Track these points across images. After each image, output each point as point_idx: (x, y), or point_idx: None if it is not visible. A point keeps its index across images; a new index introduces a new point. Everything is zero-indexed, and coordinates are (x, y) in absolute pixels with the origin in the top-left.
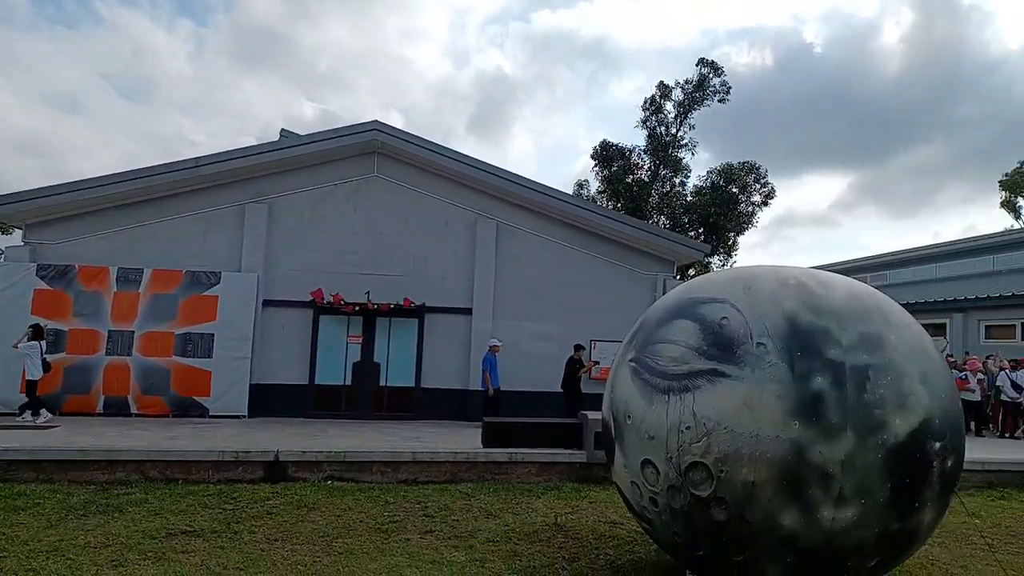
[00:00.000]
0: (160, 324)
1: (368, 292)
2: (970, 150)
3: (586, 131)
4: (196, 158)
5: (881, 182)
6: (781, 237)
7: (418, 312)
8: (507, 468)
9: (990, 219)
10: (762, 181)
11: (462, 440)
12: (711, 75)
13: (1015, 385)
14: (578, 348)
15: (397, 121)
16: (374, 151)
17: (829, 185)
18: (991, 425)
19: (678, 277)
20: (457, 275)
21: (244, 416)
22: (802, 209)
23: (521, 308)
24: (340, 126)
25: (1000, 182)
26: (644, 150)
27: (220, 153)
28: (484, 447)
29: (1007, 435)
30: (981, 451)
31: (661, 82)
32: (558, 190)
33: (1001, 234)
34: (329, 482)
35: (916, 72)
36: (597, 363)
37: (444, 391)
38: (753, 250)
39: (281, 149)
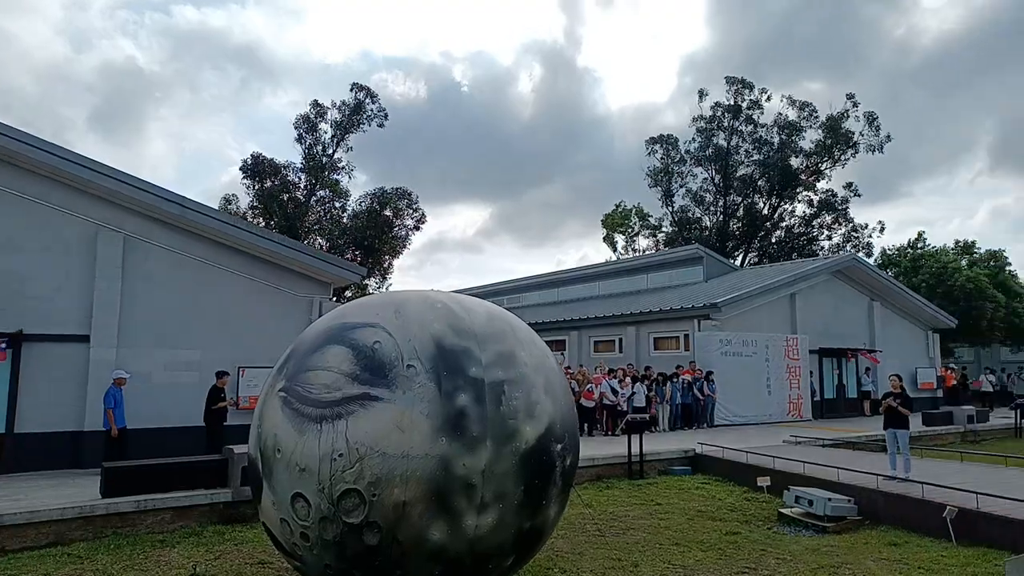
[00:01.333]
0: None
1: None
2: (584, 191)
3: (236, 141)
4: None
5: (516, 214)
6: (433, 261)
7: (12, 342)
8: (134, 519)
9: (599, 251)
10: (414, 207)
11: (75, 492)
12: (368, 101)
13: (614, 391)
14: (221, 375)
15: None
16: None
17: (474, 214)
18: (599, 426)
19: (335, 299)
20: (70, 296)
21: None
22: (452, 235)
23: (155, 334)
24: None
25: (602, 221)
26: (301, 168)
27: None
28: (104, 497)
29: (610, 433)
30: (592, 449)
31: (315, 101)
32: (200, 203)
33: (603, 265)
34: None
35: (544, 119)
36: (234, 404)
37: (50, 435)
38: (408, 272)
39: None
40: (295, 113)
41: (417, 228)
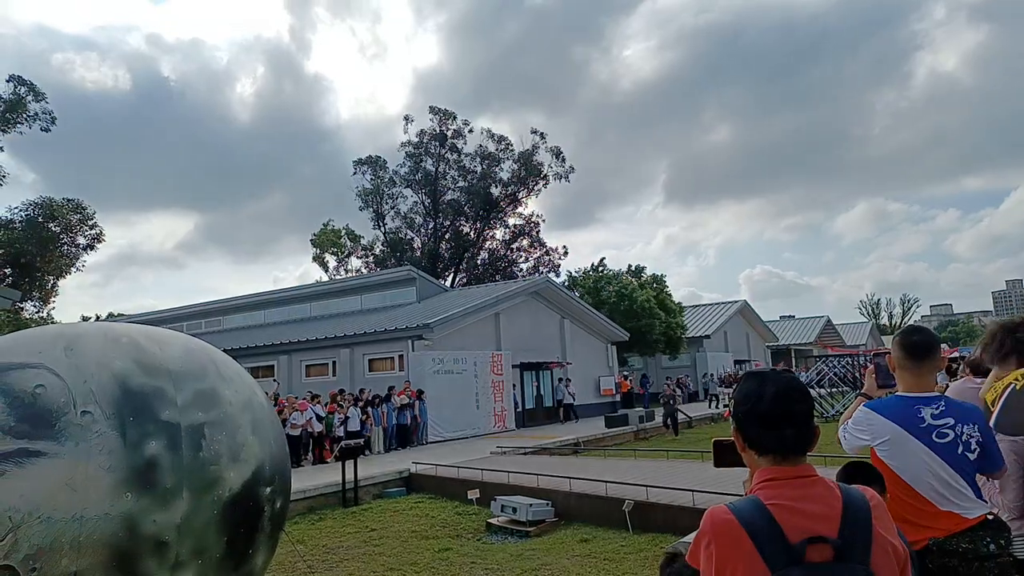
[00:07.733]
0: None
1: None
2: (305, 206)
3: None
4: None
5: (228, 227)
6: (123, 276)
7: None
8: None
9: (318, 270)
10: (89, 223)
11: None
12: (29, 97)
13: (319, 418)
14: None
15: None
16: None
17: (175, 224)
18: (308, 455)
19: None
20: None
21: None
22: (147, 247)
23: None
24: None
25: (311, 240)
26: None
27: None
28: None
29: (318, 462)
30: (304, 480)
31: None
32: None
33: (315, 285)
34: None
35: (266, 125)
36: None
37: None
38: (89, 291)
39: None
40: None
41: (91, 247)
